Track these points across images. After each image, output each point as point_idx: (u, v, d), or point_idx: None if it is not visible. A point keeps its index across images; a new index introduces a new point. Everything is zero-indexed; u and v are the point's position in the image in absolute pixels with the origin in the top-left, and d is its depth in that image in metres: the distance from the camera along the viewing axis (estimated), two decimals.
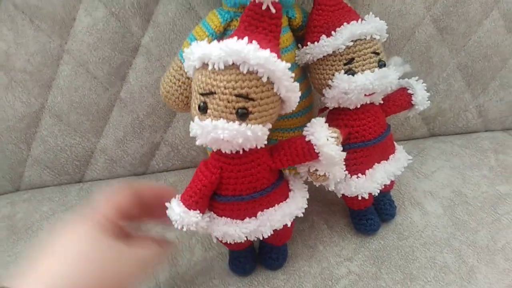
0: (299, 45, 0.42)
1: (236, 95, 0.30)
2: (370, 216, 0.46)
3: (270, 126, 0.33)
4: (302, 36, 0.43)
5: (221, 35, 0.39)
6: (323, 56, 0.40)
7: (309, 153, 0.35)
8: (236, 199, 0.35)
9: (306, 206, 0.39)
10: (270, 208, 0.37)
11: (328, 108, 0.44)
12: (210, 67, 0.30)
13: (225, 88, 0.30)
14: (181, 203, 0.35)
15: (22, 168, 0.58)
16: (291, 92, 0.32)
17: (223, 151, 0.33)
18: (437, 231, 0.46)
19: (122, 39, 0.50)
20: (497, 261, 0.42)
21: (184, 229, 0.35)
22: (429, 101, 0.45)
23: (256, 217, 0.36)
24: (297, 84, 0.33)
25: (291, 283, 0.42)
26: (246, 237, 0.36)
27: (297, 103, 0.34)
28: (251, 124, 0.31)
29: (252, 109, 0.31)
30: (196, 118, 0.31)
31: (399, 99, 0.45)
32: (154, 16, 0.49)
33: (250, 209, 0.36)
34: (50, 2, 0.47)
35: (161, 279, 0.43)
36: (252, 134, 0.31)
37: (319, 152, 0.34)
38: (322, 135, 0.34)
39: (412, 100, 0.45)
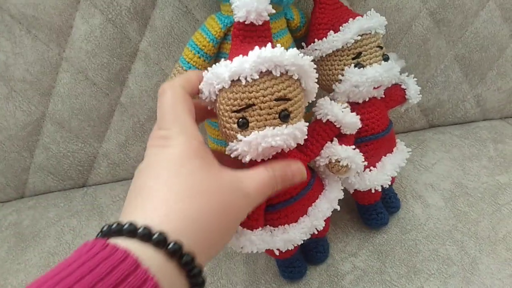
0: (303, 44, 0.43)
1: (276, 99, 0.30)
2: (379, 210, 0.46)
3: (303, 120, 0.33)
4: (300, 36, 0.43)
5: (222, 40, 0.40)
6: (332, 52, 0.41)
7: (331, 130, 0.37)
8: (289, 202, 0.35)
9: (342, 187, 0.40)
10: (316, 200, 0.38)
11: None
12: (243, 81, 0.30)
13: (264, 96, 0.30)
14: (240, 228, 0.34)
15: (26, 175, 0.59)
16: (314, 83, 0.33)
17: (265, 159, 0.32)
18: (439, 223, 0.47)
19: (120, 45, 0.50)
20: (498, 251, 0.43)
21: (259, 252, 0.34)
22: (421, 95, 0.46)
23: (307, 214, 0.37)
24: (317, 75, 0.33)
25: (297, 281, 0.42)
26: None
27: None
28: (294, 123, 0.31)
29: (291, 108, 0.31)
30: (239, 136, 0.30)
31: (395, 94, 0.45)
32: (151, 20, 0.49)
33: (301, 208, 0.37)
34: (47, 11, 0.47)
35: None
36: (300, 132, 0.31)
37: (340, 126, 0.37)
38: (335, 110, 0.36)
39: (405, 95, 0.45)
